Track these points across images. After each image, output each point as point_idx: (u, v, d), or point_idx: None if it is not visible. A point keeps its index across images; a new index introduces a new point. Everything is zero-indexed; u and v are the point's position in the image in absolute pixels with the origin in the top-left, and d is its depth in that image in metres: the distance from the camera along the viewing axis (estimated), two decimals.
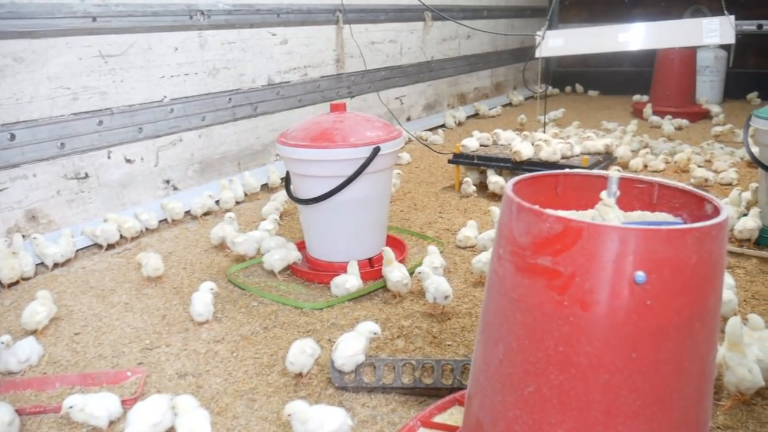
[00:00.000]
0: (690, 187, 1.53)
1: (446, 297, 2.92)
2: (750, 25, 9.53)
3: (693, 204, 1.51)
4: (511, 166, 4.73)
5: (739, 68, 9.37)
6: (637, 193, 1.63)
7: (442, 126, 7.73)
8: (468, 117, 8.38)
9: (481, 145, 5.13)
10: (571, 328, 1.29)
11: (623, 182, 1.62)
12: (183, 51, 4.54)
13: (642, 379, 1.28)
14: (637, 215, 1.50)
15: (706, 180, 4.96)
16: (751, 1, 9.39)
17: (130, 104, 4.22)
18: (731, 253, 3.67)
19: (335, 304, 3.14)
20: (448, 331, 2.86)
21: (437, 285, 2.92)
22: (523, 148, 4.69)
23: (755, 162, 3.82)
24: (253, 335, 2.88)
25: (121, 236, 3.96)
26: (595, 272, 1.25)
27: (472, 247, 3.81)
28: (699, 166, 5.31)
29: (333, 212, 3.30)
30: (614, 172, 1.46)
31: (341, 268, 3.32)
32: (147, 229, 4.18)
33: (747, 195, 4.24)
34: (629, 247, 1.23)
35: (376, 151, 3.17)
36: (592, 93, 10.43)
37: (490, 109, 8.58)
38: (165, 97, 4.45)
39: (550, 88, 10.63)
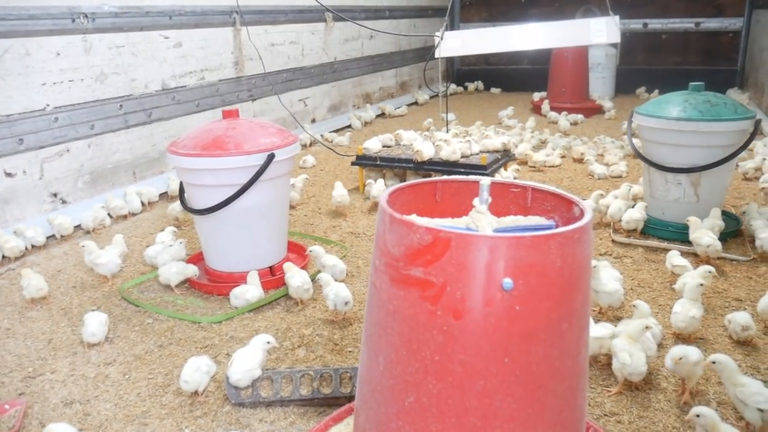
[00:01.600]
0: (560, 191, 1.58)
1: (346, 303, 2.90)
2: (636, 24, 10.11)
3: (563, 206, 1.56)
4: (413, 166, 4.78)
5: (627, 65, 9.91)
6: (512, 198, 1.66)
7: (349, 127, 7.73)
8: (376, 116, 8.41)
9: (384, 146, 5.15)
10: (445, 338, 1.30)
11: (499, 187, 1.66)
12: (66, 56, 4.29)
13: (516, 383, 1.31)
14: (510, 220, 1.53)
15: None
16: (637, 1, 9.94)
17: (7, 114, 3.95)
18: (619, 244, 3.86)
19: (235, 316, 3.06)
20: (350, 338, 2.84)
21: (336, 291, 2.90)
22: (424, 148, 4.74)
23: (638, 156, 4.03)
24: (147, 354, 2.76)
25: (3, 256, 3.70)
26: (465, 281, 1.27)
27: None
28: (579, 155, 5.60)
29: (230, 221, 3.22)
30: (485, 179, 1.48)
31: (241, 279, 3.24)
32: (33, 246, 3.93)
33: (637, 188, 4.46)
34: (496, 255, 1.25)
35: (271, 157, 3.12)
36: (495, 91, 10.72)
37: (395, 109, 8.66)
38: (48, 105, 4.19)
39: (453, 86, 10.85)
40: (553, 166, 5.63)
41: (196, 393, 2.40)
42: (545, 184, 1.65)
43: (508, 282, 1.25)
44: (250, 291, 3.12)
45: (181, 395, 2.44)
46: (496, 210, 1.63)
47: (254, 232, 3.29)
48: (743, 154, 3.93)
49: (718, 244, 3.43)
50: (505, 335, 1.28)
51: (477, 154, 4.83)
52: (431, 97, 9.88)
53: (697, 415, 1.89)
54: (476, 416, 1.32)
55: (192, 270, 3.32)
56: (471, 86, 10.98)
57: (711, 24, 9.76)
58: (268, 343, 2.42)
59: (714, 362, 2.13)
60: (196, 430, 2.24)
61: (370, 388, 1.48)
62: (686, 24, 9.88)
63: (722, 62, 9.78)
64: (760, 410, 2.03)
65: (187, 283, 3.40)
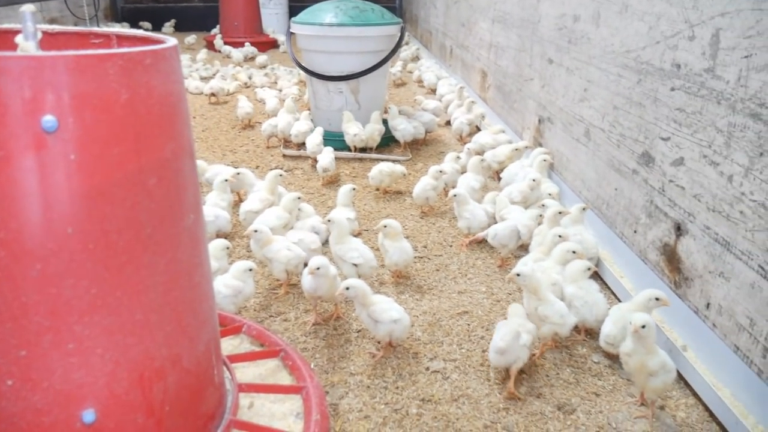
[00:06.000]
0: (150, 34, 1.27)
1: None
2: None
3: None
4: None
5: (300, 3, 9.96)
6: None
7: None
8: None
9: None
10: None
11: (78, 39, 1.30)
12: None
13: (91, 260, 0.99)
14: None
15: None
16: None
17: None
18: (290, 157, 3.76)
19: None
20: None
21: None
22: None
23: (298, 66, 3.94)
24: None
25: None
26: None
27: None
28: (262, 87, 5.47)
29: None
30: (27, 6, 1.10)
31: None
32: None
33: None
34: (28, 83, 0.89)
35: None
36: (166, 30, 9.96)
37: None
38: None
39: (119, 26, 9.77)
40: (228, 94, 5.35)
41: None
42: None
43: (50, 120, 0.91)
44: None
45: None
46: None
47: None
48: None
49: (363, 133, 3.65)
50: (61, 196, 0.95)
51: None
52: None
53: (346, 288, 1.80)
54: (42, 314, 0.98)
55: None
56: (140, 25, 10.04)
57: None
58: None
59: (347, 288, 1.83)
60: None
61: None
62: None
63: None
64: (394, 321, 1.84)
65: None
